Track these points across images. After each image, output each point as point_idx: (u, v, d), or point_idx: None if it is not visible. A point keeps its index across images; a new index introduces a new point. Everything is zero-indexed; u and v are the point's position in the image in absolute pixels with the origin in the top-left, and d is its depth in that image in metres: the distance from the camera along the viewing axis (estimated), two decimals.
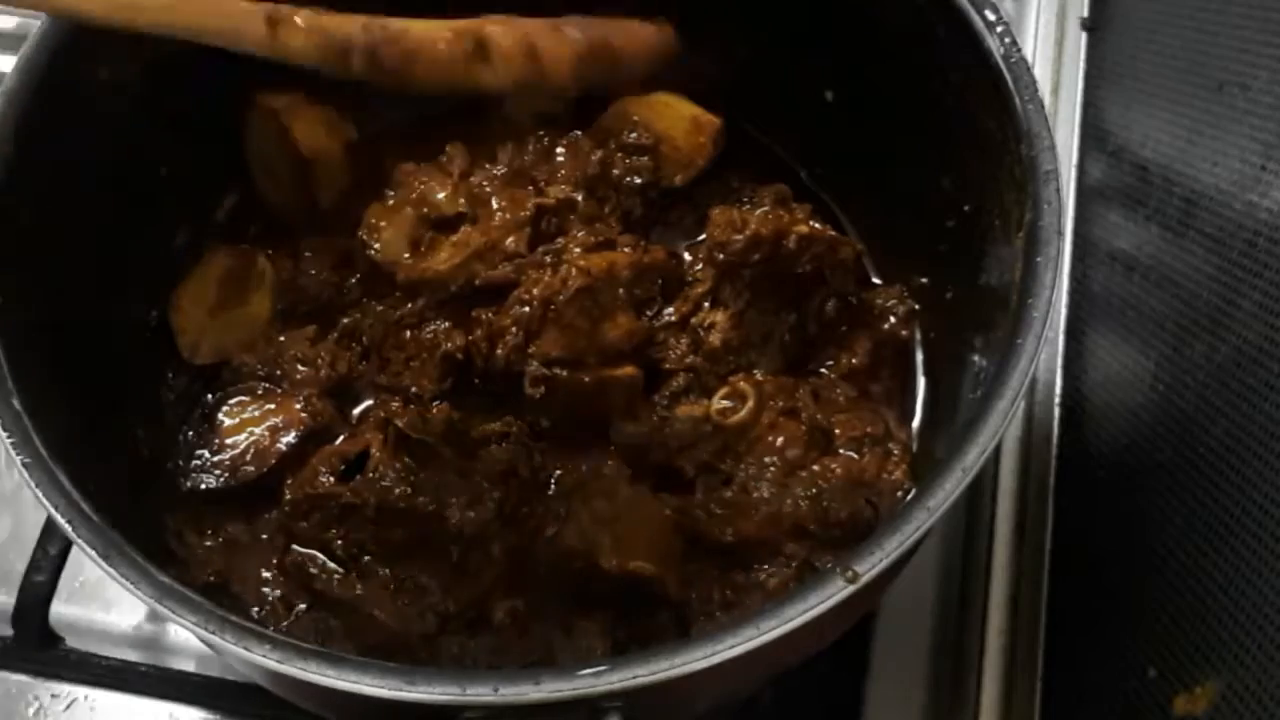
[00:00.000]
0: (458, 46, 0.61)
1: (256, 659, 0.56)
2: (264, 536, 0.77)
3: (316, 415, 0.79)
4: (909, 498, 0.61)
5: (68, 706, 0.85)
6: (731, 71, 0.89)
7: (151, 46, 0.77)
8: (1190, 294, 0.77)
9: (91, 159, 0.75)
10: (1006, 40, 0.69)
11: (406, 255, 0.82)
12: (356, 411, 0.82)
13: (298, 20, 0.63)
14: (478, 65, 0.61)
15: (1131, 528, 0.77)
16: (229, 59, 0.81)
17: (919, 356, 0.83)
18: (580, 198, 0.86)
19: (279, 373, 0.82)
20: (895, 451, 0.76)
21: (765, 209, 0.81)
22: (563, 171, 0.87)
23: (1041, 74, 1.02)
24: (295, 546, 0.76)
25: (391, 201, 0.84)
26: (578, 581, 0.73)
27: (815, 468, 0.75)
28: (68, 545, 0.84)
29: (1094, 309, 0.91)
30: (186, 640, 0.86)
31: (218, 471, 0.78)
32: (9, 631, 0.85)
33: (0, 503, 0.90)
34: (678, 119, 0.88)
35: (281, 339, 0.83)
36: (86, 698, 0.85)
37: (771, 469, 0.75)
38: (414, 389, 0.81)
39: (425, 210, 0.84)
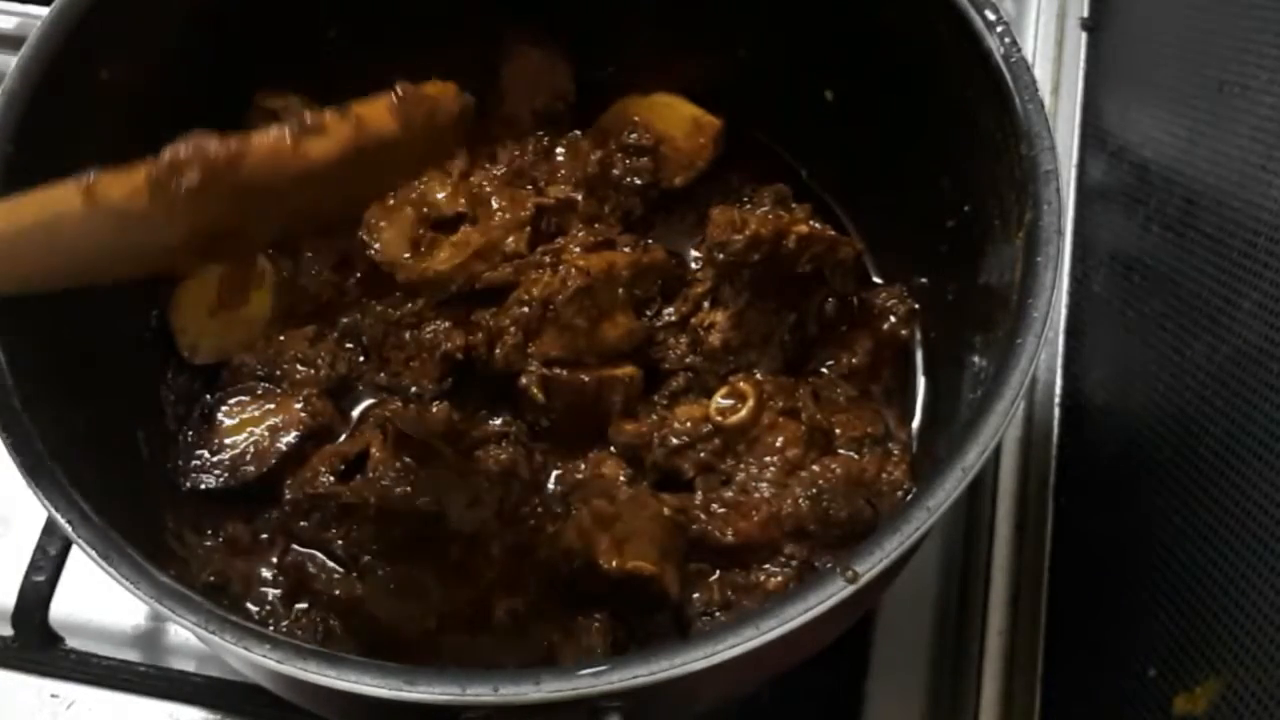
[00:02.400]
0: (283, 134, 0.57)
1: (256, 659, 0.56)
2: (264, 536, 0.77)
3: (316, 415, 0.79)
4: (909, 498, 0.61)
5: (68, 706, 0.84)
6: (732, 72, 0.89)
7: (151, 47, 0.77)
8: (1190, 294, 0.77)
9: (91, 159, 0.75)
10: (1006, 40, 0.69)
11: (406, 255, 0.82)
12: (356, 411, 0.82)
13: (108, 176, 0.57)
14: (307, 139, 0.59)
15: (1132, 528, 0.77)
16: (228, 59, 0.81)
17: (919, 356, 0.83)
18: (580, 198, 0.86)
19: (279, 373, 0.82)
20: (895, 451, 0.76)
21: (765, 209, 0.81)
22: (563, 171, 0.87)
23: (1041, 74, 1.02)
24: (295, 546, 0.76)
25: (391, 201, 0.84)
26: (578, 581, 0.73)
27: (815, 468, 0.75)
28: (68, 545, 0.83)
29: (1094, 309, 0.91)
30: (186, 640, 0.86)
31: (218, 471, 0.78)
32: (9, 631, 0.85)
33: (0, 503, 0.90)
34: (678, 120, 0.88)
35: (281, 339, 0.83)
36: (86, 698, 0.85)
37: (771, 469, 0.75)
38: (414, 389, 0.81)
39: (425, 210, 0.84)
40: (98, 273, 0.60)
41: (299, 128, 0.57)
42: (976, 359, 0.71)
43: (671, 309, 0.81)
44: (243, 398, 0.81)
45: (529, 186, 0.86)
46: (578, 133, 0.89)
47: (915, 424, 0.81)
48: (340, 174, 0.59)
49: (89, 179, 0.57)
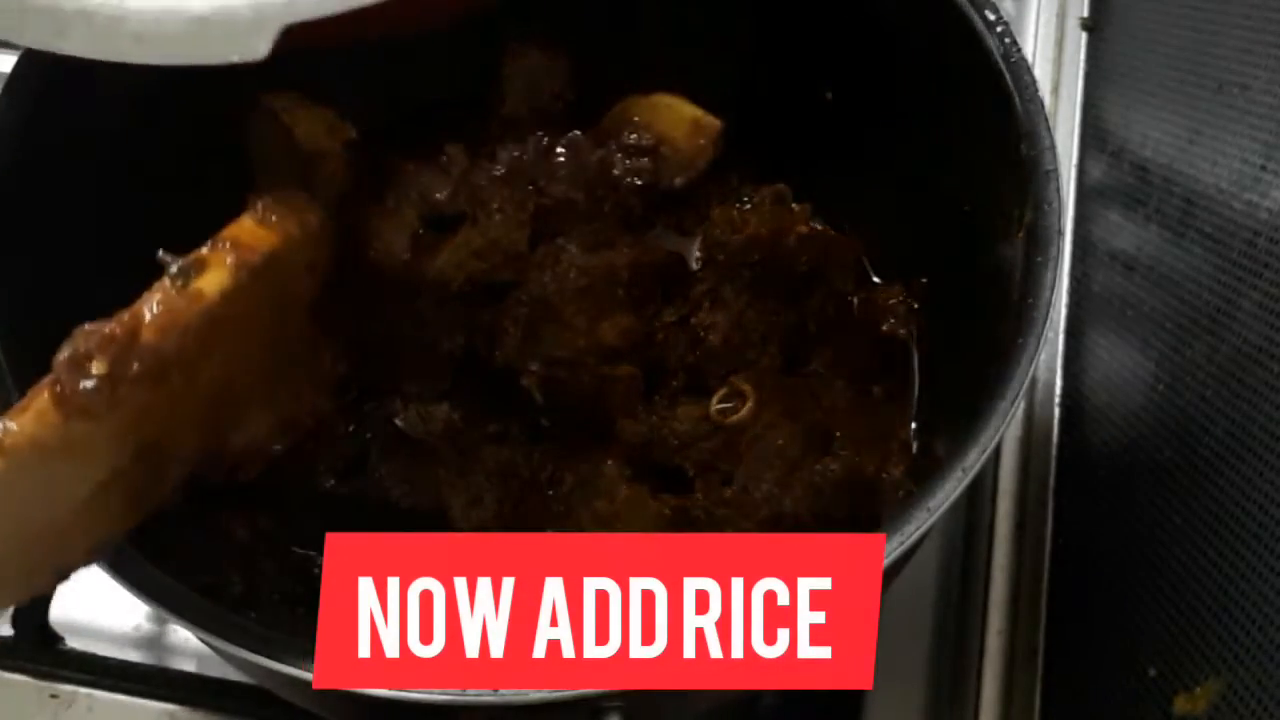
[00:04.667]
0: (166, 283, 0.54)
1: (256, 659, 0.56)
2: (264, 536, 0.77)
3: (316, 414, 0.79)
4: (909, 498, 0.61)
5: (68, 707, 0.85)
6: (732, 72, 0.89)
7: None
8: (1190, 294, 0.77)
9: (92, 160, 0.75)
10: (1006, 40, 0.69)
11: (406, 255, 0.82)
12: (356, 411, 0.82)
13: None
14: (193, 280, 0.54)
15: (1131, 528, 0.77)
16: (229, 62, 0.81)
17: (919, 356, 0.83)
18: (580, 198, 0.86)
19: None
20: (895, 451, 0.76)
21: (765, 208, 0.81)
22: (563, 171, 0.87)
23: (1041, 74, 1.02)
24: (295, 547, 0.76)
25: (391, 202, 0.84)
26: None
27: (815, 467, 0.75)
28: None
29: (1094, 309, 0.91)
30: (187, 640, 0.86)
31: (218, 470, 0.78)
32: (9, 631, 0.85)
33: None
34: (679, 120, 0.88)
35: None
36: (87, 697, 0.85)
37: (771, 469, 0.75)
38: (414, 389, 0.81)
39: (425, 210, 0.84)
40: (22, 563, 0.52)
41: (178, 272, 0.55)
42: (976, 359, 0.71)
43: (671, 309, 0.81)
44: None
45: (529, 186, 0.86)
46: (578, 133, 0.89)
47: (915, 424, 0.81)
48: (241, 320, 0.56)
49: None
